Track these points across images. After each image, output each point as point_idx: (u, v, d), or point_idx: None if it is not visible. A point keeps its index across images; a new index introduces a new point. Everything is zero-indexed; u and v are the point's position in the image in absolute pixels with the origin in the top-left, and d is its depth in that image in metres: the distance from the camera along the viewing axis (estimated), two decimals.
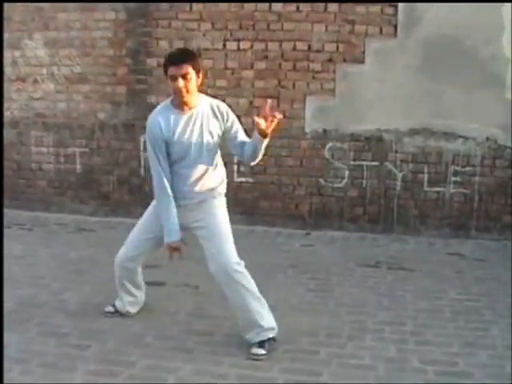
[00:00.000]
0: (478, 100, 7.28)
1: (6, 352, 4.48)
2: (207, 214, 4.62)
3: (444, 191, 7.57)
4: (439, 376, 4.28)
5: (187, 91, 4.32)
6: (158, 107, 4.55)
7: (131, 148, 8.25)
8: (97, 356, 4.54)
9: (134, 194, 8.23)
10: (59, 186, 8.62)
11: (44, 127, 8.55)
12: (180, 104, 4.41)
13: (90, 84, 8.30)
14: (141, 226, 4.90)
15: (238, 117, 4.69)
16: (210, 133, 4.48)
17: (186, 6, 7.78)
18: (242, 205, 7.91)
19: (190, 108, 4.43)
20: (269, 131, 4.31)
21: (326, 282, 6.11)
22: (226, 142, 4.64)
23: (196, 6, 7.77)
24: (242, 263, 4.57)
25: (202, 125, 4.45)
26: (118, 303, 5.21)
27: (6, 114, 8.64)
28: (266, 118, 4.30)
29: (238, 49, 7.74)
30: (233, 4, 7.67)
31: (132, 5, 7.94)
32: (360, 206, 7.79)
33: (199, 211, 4.62)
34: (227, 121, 4.53)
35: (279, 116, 4.30)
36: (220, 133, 4.54)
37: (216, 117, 4.50)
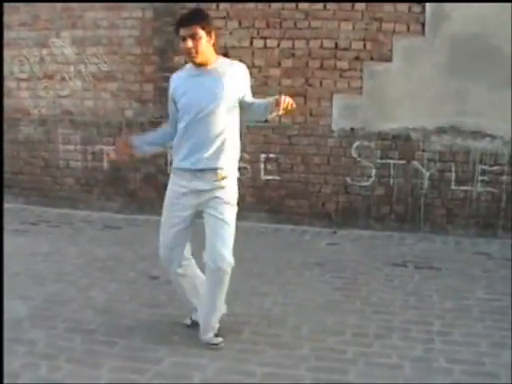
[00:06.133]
0: (505, 98, 7.20)
1: (34, 348, 4.54)
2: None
3: (471, 190, 7.50)
4: (466, 376, 4.25)
5: (196, 52, 4.25)
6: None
7: None
8: (123, 353, 4.55)
9: (160, 192, 8.18)
10: (86, 183, 8.67)
11: (71, 125, 8.61)
12: (193, 64, 4.39)
13: (117, 82, 8.35)
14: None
15: None
16: (225, 89, 4.35)
17: (213, 4, 7.77)
18: (268, 203, 7.89)
19: (206, 67, 4.37)
20: (281, 111, 4.14)
21: (353, 280, 6.09)
22: None
23: (223, 5, 7.77)
24: None
25: (214, 81, 4.35)
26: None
27: (34, 111, 8.71)
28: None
29: (265, 47, 7.73)
30: (260, 2, 7.67)
31: (159, 3, 7.97)
32: (387, 204, 7.75)
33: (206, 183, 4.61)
34: (242, 81, 4.44)
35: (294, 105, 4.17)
36: (236, 94, 4.41)
37: (233, 77, 4.38)
